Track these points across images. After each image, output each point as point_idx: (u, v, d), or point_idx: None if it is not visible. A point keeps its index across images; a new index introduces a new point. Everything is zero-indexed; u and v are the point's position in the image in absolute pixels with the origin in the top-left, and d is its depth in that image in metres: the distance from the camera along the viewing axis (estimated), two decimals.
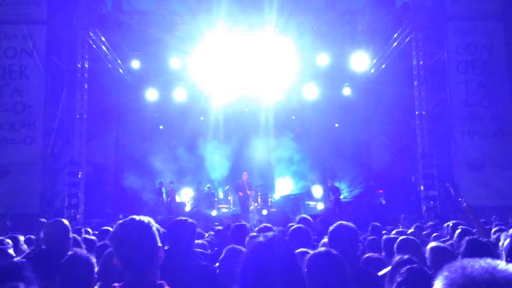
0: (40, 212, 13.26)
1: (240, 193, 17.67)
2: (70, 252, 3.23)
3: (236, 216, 16.91)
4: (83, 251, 3.35)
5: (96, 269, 3.14)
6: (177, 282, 2.40)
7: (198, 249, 4.81)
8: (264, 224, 6.04)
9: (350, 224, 3.78)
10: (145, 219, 2.34)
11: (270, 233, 2.35)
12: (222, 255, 3.75)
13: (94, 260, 3.14)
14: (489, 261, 1.16)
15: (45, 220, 5.90)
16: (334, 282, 2.73)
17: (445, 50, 14.89)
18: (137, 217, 2.33)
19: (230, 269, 3.39)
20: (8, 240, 5.45)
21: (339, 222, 3.82)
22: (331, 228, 3.79)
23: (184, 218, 3.79)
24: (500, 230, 5.84)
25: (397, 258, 3.32)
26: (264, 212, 17.33)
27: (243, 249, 3.61)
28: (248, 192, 17.65)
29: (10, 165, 13.80)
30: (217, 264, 3.79)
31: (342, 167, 19.20)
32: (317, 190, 19.75)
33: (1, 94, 14.21)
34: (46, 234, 4.06)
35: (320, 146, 19.70)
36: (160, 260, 2.30)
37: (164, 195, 18.53)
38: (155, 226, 2.35)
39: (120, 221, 2.35)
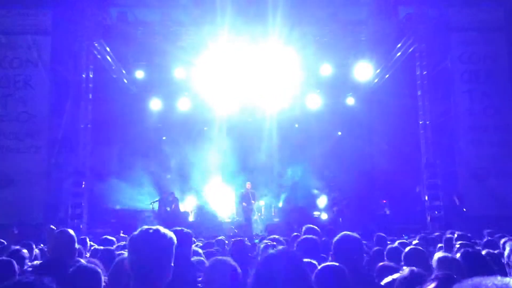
0: (44, 222, 13.25)
1: (244, 204, 17.64)
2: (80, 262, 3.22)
3: (240, 226, 16.88)
4: (95, 261, 3.34)
5: (103, 279, 3.12)
6: None
7: (199, 258, 4.76)
8: (273, 236, 6.02)
9: (355, 234, 3.76)
10: (169, 233, 2.34)
11: (280, 246, 2.36)
12: (207, 265, 3.69)
13: (100, 270, 3.13)
14: (500, 279, 1.16)
15: (54, 227, 5.88)
16: None
17: (449, 59, 14.91)
18: (162, 230, 2.32)
19: (213, 280, 3.33)
20: (24, 250, 5.42)
21: (343, 233, 3.79)
22: (335, 238, 3.77)
23: (179, 228, 3.74)
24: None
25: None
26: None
27: (229, 260, 3.49)
28: (253, 201, 17.64)
29: (14, 174, 13.81)
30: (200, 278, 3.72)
31: (345, 177, 19.12)
32: (321, 200, 19.65)
33: (6, 104, 14.28)
34: (51, 244, 4.06)
35: (324, 156, 19.67)
36: (168, 279, 2.29)
37: (167, 205, 18.50)
38: (175, 244, 2.34)
39: (145, 227, 2.35)
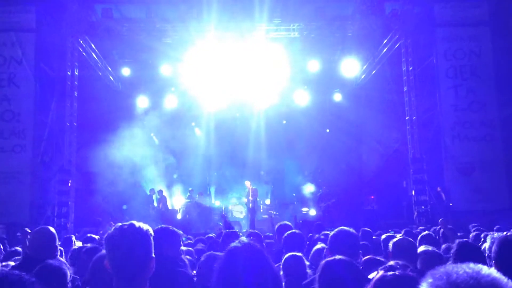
0: (30, 221, 13.12)
1: (245, 199, 17.86)
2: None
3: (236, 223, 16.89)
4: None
5: (69, 277, 3.10)
6: None
7: (187, 257, 4.76)
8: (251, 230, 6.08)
9: (351, 230, 3.74)
10: (144, 226, 2.32)
11: (244, 239, 2.35)
12: (201, 260, 3.71)
13: (67, 269, 3.11)
14: (472, 266, 1.16)
15: (28, 230, 5.83)
16: None
17: (434, 55, 15.00)
18: (136, 224, 2.31)
19: (207, 274, 3.36)
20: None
21: (340, 228, 3.76)
22: (331, 233, 3.74)
23: (166, 226, 3.76)
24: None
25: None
26: None
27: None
28: (251, 198, 17.88)
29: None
30: (194, 272, 3.75)
31: (333, 173, 19.20)
32: (309, 196, 19.71)
33: None
34: (32, 242, 4.02)
35: (311, 152, 19.72)
36: (151, 271, 2.28)
37: (155, 203, 18.44)
38: (152, 235, 2.33)
39: (120, 224, 2.33)
